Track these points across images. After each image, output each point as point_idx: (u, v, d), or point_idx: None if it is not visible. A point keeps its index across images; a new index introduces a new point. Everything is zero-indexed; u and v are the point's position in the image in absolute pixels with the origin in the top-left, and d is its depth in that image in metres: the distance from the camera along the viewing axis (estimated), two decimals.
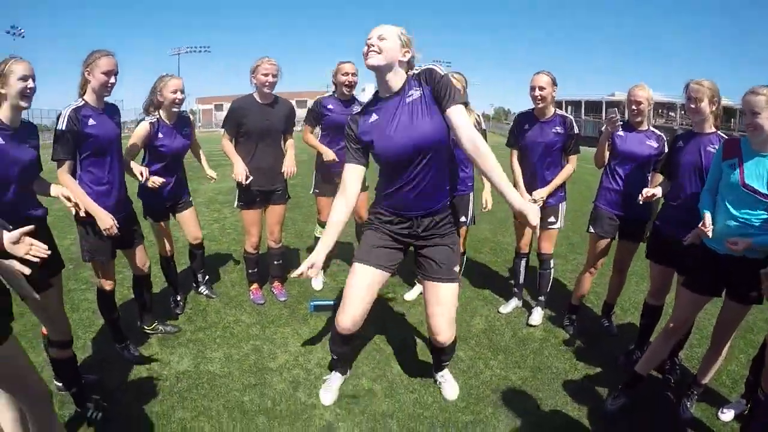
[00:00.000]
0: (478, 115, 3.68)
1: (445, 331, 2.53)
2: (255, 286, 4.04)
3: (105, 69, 2.61)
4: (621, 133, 3.28)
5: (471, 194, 3.77)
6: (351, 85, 3.95)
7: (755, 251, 2.21)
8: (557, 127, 3.46)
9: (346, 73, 3.89)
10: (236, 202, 3.79)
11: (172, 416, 2.53)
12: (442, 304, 2.49)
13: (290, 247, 5.25)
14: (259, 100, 3.61)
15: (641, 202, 2.87)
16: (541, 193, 3.45)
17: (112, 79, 2.66)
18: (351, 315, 2.50)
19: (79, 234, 2.80)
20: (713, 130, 2.74)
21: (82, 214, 2.54)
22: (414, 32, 2.31)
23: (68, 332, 2.54)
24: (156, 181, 3.19)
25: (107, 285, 2.95)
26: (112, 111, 2.82)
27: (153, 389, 2.77)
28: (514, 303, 4.01)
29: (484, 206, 3.83)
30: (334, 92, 4.02)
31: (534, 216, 2.07)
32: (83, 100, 2.66)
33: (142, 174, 3.08)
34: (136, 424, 2.47)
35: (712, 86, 2.66)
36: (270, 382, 2.85)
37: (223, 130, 3.78)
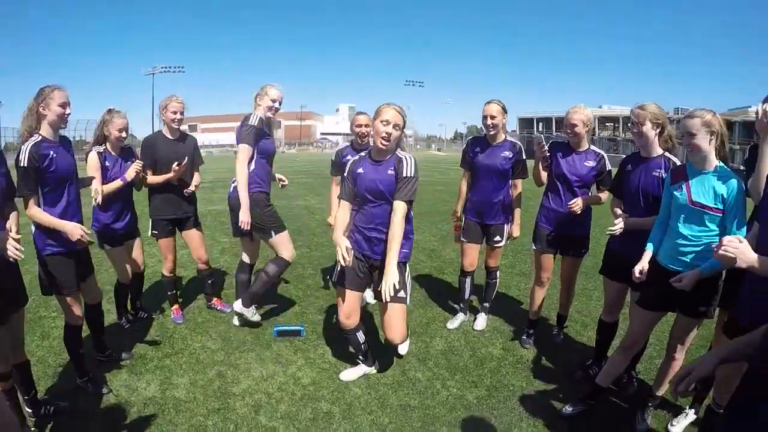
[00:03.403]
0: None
1: None
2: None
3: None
4: (560, 154, 3.40)
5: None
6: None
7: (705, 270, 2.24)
8: (506, 152, 3.63)
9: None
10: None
11: None
12: None
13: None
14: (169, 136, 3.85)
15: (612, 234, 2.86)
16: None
17: (68, 110, 2.75)
18: None
19: (41, 270, 2.78)
20: (659, 153, 2.80)
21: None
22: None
23: (10, 365, 2.51)
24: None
25: (75, 319, 2.93)
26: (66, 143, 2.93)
27: (121, 415, 2.84)
28: (461, 318, 4.16)
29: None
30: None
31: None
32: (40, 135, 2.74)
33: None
34: None
35: (655, 110, 2.72)
36: (233, 407, 2.93)
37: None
